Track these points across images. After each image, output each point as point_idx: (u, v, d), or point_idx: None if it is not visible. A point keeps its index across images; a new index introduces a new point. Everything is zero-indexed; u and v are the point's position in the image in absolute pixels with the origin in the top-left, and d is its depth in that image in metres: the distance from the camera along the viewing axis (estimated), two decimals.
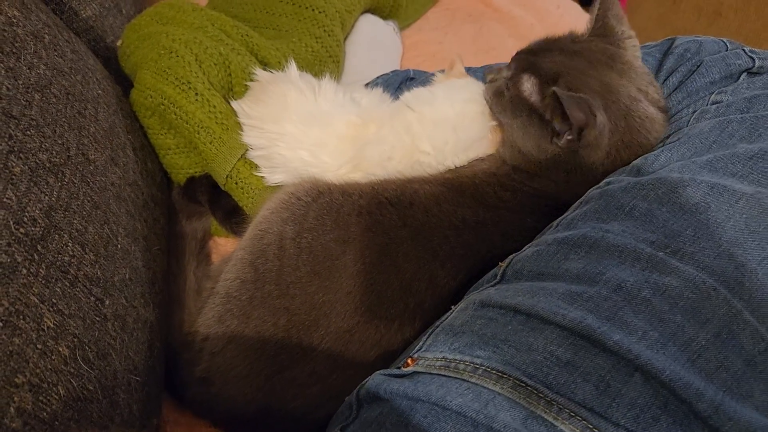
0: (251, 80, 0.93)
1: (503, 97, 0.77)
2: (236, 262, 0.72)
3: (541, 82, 0.74)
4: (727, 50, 0.81)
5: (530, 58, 0.77)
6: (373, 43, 1.27)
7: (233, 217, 0.89)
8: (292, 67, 0.88)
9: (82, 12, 1.01)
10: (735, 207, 0.60)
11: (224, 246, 0.95)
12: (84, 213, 0.63)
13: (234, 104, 0.88)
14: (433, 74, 1.09)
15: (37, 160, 0.60)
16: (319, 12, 1.13)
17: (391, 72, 1.16)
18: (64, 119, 0.67)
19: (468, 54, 1.33)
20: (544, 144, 0.73)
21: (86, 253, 0.60)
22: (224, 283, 0.72)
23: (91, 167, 0.69)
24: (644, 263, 0.55)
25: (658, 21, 2.15)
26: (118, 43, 1.01)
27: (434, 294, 0.68)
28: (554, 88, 0.69)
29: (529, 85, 0.75)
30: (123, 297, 0.65)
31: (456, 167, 0.80)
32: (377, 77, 1.15)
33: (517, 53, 0.80)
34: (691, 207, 0.60)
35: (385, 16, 1.34)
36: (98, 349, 0.57)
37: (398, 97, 1.07)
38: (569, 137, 0.71)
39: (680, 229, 0.58)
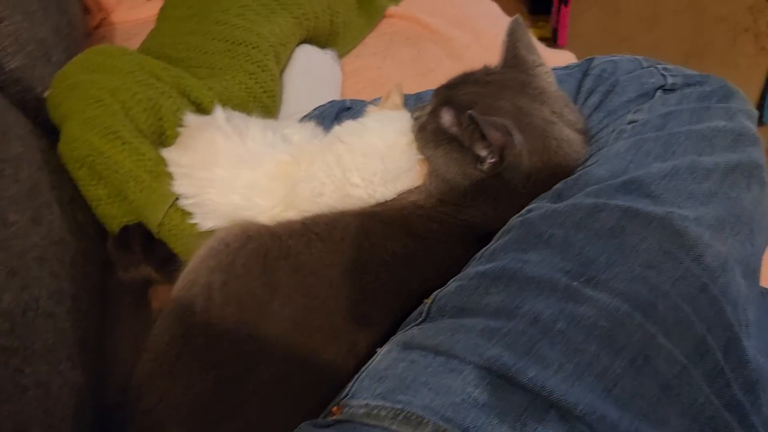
0: (182, 125, 0.93)
1: (426, 131, 0.78)
2: (165, 315, 0.71)
3: (458, 113, 0.75)
4: (642, 68, 0.83)
5: (447, 92, 0.78)
6: (311, 73, 1.28)
7: (170, 265, 0.87)
8: (218, 111, 0.87)
9: (7, 65, 1.00)
10: (648, 229, 0.60)
11: (165, 293, 0.93)
12: None
13: (163, 153, 0.87)
14: (366, 104, 1.10)
15: None
16: (252, 48, 1.13)
17: (328, 103, 1.17)
18: None
19: (407, 77, 1.34)
20: (468, 169, 0.74)
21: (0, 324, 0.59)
22: (154, 339, 0.71)
23: (10, 231, 0.67)
24: (560, 294, 0.56)
25: (600, 29, 2.19)
26: (46, 94, 1.00)
27: (367, 335, 0.68)
28: (470, 111, 0.70)
29: (447, 117, 0.76)
30: (46, 363, 0.63)
31: (385, 200, 0.80)
32: (314, 109, 1.15)
33: (436, 89, 0.81)
34: (606, 232, 0.61)
35: (322, 45, 1.35)
36: (16, 422, 0.56)
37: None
38: (492, 160, 0.71)
39: (595, 255, 0.59)
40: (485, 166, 0.72)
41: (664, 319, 0.55)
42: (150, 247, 0.88)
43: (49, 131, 0.94)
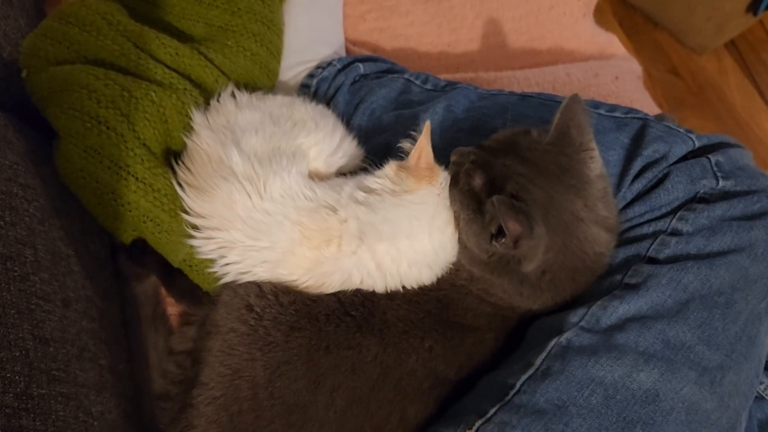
0: (188, 125, 0.85)
1: (456, 185, 0.77)
2: (209, 400, 0.74)
3: (489, 181, 0.74)
4: (693, 149, 0.80)
5: (487, 157, 0.75)
6: (314, 3, 1.11)
7: (192, 297, 0.86)
8: (234, 154, 0.78)
9: None
10: (678, 395, 0.67)
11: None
12: None
13: (180, 193, 0.80)
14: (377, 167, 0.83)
15: None
16: None
17: (336, 60, 1.06)
18: None
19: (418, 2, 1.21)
20: (483, 243, 0.74)
21: None
22: (200, 422, 0.74)
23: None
24: None
25: None
26: (23, 74, 0.86)
27: (405, 431, 0.74)
28: (494, 197, 0.69)
29: (479, 182, 0.75)
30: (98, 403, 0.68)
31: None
32: (317, 67, 1.05)
33: (479, 146, 0.78)
34: (642, 395, 0.66)
35: None
36: None
37: (354, 107, 0.99)
38: (504, 241, 0.71)
39: (632, 421, 0.65)
40: (499, 244, 0.72)
41: None
42: (169, 278, 0.86)
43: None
